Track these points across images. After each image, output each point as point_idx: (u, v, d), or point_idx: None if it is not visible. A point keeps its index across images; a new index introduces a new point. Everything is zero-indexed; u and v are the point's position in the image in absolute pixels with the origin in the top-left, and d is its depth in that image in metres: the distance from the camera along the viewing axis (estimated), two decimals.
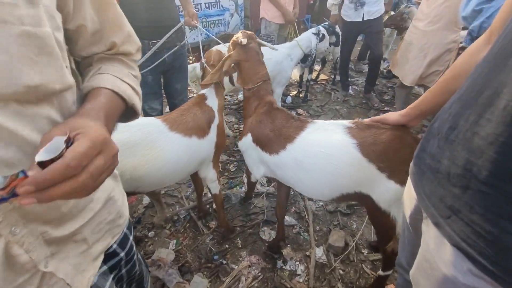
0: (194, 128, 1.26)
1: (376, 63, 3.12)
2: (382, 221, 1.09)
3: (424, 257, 0.59)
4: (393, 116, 1.00)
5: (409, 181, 0.71)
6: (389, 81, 3.94)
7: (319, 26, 2.62)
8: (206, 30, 3.89)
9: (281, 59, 2.41)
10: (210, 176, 1.45)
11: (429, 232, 0.56)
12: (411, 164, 0.69)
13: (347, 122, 1.09)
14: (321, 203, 1.93)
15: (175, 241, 1.66)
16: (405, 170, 0.88)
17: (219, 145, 1.41)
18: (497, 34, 0.59)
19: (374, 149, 0.99)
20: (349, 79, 3.59)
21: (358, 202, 1.18)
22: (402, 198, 0.88)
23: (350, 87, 3.61)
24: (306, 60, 3.16)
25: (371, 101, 3.25)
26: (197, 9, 3.67)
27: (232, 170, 2.28)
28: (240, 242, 1.66)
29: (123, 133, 1.11)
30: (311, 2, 5.47)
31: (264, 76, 1.35)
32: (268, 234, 1.70)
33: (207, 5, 3.75)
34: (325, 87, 3.80)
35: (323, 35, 2.61)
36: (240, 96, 3.47)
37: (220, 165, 2.31)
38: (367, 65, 4.19)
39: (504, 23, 0.54)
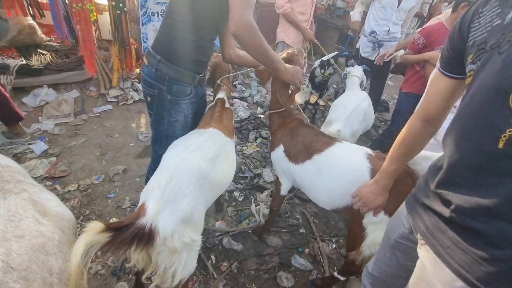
0: (231, 131, 1.47)
1: (375, 104, 3.24)
2: (357, 232, 1.25)
3: (420, 277, 0.71)
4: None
5: (401, 211, 0.87)
6: (380, 115, 4.11)
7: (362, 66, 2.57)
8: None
9: (366, 105, 2.18)
10: None
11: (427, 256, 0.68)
12: (409, 198, 0.84)
13: (370, 150, 1.29)
14: (334, 245, 1.88)
15: None
16: (395, 204, 1.03)
17: None
18: (438, 117, 0.83)
19: None
20: None
21: (348, 214, 1.33)
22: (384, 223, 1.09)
23: None
24: (320, 88, 3.13)
25: (369, 133, 3.34)
26: None
27: (239, 200, 2.13)
28: None
29: (196, 139, 1.25)
30: None
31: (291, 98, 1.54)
32: (285, 279, 1.59)
33: None
34: (323, 113, 3.84)
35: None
36: (241, 113, 3.34)
37: (226, 193, 2.16)
38: None
39: (442, 109, 0.81)
